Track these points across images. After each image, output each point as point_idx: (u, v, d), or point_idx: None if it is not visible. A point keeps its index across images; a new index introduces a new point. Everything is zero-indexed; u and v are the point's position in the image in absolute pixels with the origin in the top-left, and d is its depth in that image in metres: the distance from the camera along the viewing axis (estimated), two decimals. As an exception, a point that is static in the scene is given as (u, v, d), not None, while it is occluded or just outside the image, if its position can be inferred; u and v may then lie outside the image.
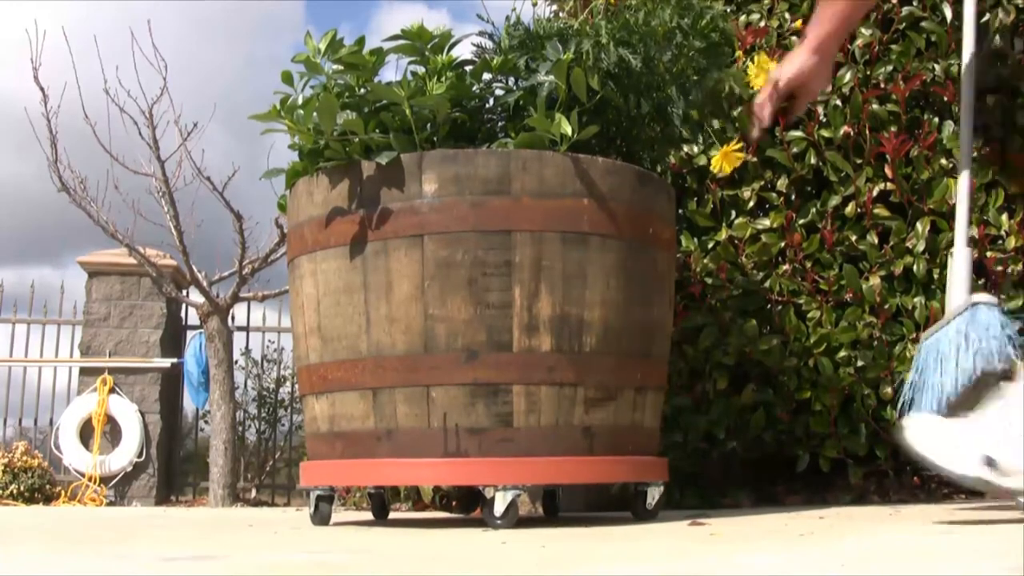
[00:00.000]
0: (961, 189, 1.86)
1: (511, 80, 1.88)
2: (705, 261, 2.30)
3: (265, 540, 1.53)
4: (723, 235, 2.30)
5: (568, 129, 1.72)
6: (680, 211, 2.40)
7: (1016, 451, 1.39)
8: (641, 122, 1.92)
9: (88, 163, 5.44)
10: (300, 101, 1.83)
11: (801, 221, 2.34)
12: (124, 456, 6.26)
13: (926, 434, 1.45)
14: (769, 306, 2.29)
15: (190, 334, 6.81)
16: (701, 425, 2.32)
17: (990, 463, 1.39)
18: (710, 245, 2.34)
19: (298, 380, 1.96)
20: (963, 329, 1.68)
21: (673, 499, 2.33)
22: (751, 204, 2.33)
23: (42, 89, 4.97)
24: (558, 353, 1.72)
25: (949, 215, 2.27)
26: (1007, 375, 1.62)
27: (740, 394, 2.31)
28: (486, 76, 1.88)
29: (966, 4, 1.94)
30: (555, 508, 2.24)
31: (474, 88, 1.85)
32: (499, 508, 1.66)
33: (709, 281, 2.29)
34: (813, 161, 2.34)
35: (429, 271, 1.72)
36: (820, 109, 2.37)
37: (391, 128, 1.78)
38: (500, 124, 1.88)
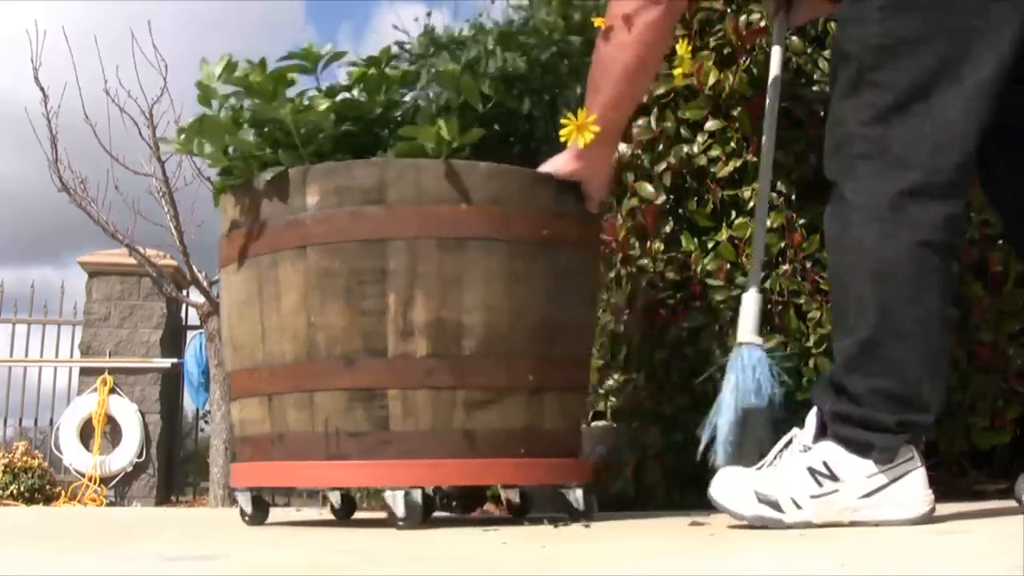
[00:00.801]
0: (758, 236, 1.93)
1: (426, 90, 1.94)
2: (705, 261, 2.30)
3: (265, 540, 1.53)
4: (723, 235, 2.30)
5: (448, 136, 1.76)
6: (680, 211, 2.40)
7: (785, 489, 1.49)
8: (539, 123, 1.95)
9: (88, 163, 5.44)
10: (187, 125, 1.93)
11: (802, 221, 2.34)
12: (124, 456, 6.26)
13: (722, 485, 1.55)
14: (769, 306, 2.28)
15: (190, 334, 6.81)
16: (701, 425, 2.32)
17: (766, 501, 1.49)
18: (710, 245, 2.34)
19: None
20: (729, 372, 1.81)
21: (673, 499, 2.33)
22: (752, 204, 2.33)
23: (42, 89, 4.97)
24: (435, 357, 1.75)
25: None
26: (771, 412, 1.76)
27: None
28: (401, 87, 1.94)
29: (774, 52, 1.98)
30: (430, 508, 2.26)
31: (367, 102, 1.92)
32: (399, 510, 1.70)
33: (709, 281, 2.29)
34: (814, 161, 2.34)
35: (312, 281, 1.77)
36: (821, 110, 2.37)
37: (282, 144, 1.86)
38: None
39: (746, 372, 1.76)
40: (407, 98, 1.93)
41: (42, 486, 5.84)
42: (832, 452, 1.49)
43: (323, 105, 1.84)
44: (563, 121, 1.79)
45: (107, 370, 6.53)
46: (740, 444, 1.74)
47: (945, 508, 1.80)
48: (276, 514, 2.90)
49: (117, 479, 6.26)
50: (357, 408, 1.74)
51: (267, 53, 1.97)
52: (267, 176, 1.81)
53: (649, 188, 2.37)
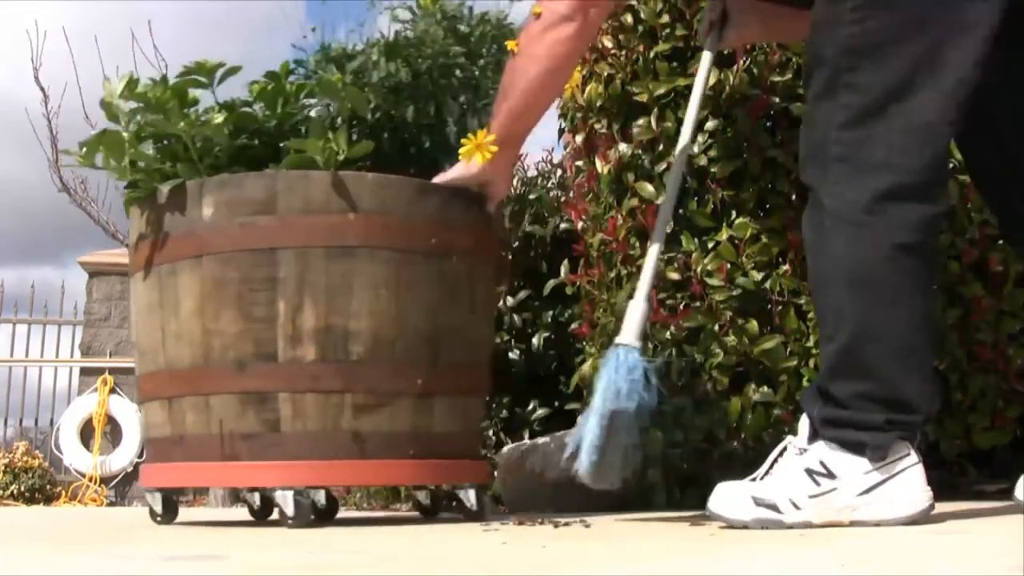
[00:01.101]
0: (650, 254, 1.90)
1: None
2: (705, 261, 2.30)
3: (266, 540, 1.53)
4: (723, 235, 2.30)
5: (337, 148, 1.83)
6: (680, 211, 2.40)
7: (783, 492, 1.49)
8: (431, 131, 2.02)
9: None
10: (89, 139, 1.98)
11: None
12: (124, 456, 6.26)
13: (719, 498, 1.54)
14: (770, 306, 2.28)
15: (190, 334, 6.81)
16: (702, 425, 2.32)
17: (765, 505, 1.49)
18: (710, 245, 2.34)
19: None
20: (601, 372, 1.77)
21: (673, 499, 2.33)
22: (752, 204, 2.33)
23: (42, 89, 4.99)
24: (323, 362, 1.82)
25: (949, 216, 2.27)
26: (638, 418, 1.72)
27: (741, 394, 2.31)
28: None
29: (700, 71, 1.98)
30: (333, 509, 2.30)
31: (262, 115, 1.99)
32: (288, 508, 1.76)
33: (709, 281, 2.29)
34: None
35: (207, 289, 1.85)
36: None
37: (180, 158, 1.94)
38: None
39: (619, 373, 1.72)
40: (312, 111, 2.01)
41: (42, 486, 5.85)
42: (828, 451, 1.49)
43: (218, 119, 1.92)
44: (463, 141, 1.86)
45: (107, 370, 6.53)
46: (603, 449, 1.70)
47: (945, 508, 1.80)
48: (275, 514, 2.90)
49: (117, 479, 6.27)
50: (249, 411, 1.82)
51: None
52: (166, 189, 1.89)
53: (649, 188, 2.37)
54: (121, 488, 6.26)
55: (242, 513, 2.92)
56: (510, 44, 1.85)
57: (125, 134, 1.93)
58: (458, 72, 1.99)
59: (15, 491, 5.68)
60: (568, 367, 2.88)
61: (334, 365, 1.82)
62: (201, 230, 1.86)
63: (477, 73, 2.01)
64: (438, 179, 1.96)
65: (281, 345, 1.81)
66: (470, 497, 1.97)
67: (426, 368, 1.90)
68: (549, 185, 3.29)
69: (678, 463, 2.32)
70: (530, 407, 3.00)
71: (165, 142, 1.96)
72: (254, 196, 1.84)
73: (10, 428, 7.08)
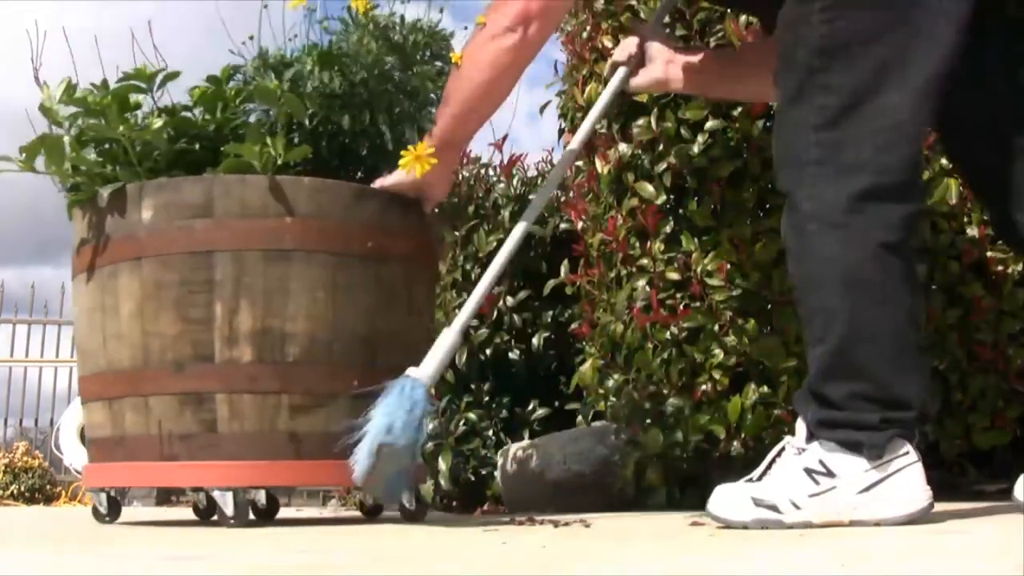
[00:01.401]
0: (481, 283, 1.89)
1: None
2: (705, 261, 2.30)
3: (265, 540, 1.53)
4: (724, 235, 2.30)
5: (274, 153, 1.86)
6: (680, 211, 2.40)
7: (783, 492, 1.48)
8: (367, 138, 2.05)
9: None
10: (29, 143, 1.98)
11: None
12: (124, 456, 6.26)
13: (719, 500, 1.54)
14: (770, 306, 2.28)
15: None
16: (701, 425, 2.32)
17: (765, 505, 1.48)
18: (710, 245, 2.34)
19: None
20: (385, 394, 1.72)
21: (673, 499, 2.33)
22: (752, 204, 2.33)
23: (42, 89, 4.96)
24: (260, 363, 1.85)
25: (949, 215, 2.27)
26: (402, 457, 1.68)
27: (740, 394, 2.31)
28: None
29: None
30: (274, 509, 2.34)
31: (201, 120, 2.01)
32: (228, 509, 1.79)
33: (709, 281, 2.29)
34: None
35: (146, 291, 1.88)
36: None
37: (120, 162, 1.95)
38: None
39: (398, 407, 1.69)
40: (251, 117, 2.02)
41: (42, 486, 5.84)
42: (827, 451, 1.50)
43: (157, 124, 1.94)
44: (403, 153, 1.88)
45: (107, 370, 6.54)
46: (373, 468, 1.68)
47: (945, 508, 1.80)
48: (280, 513, 2.90)
49: (117, 479, 6.26)
50: (187, 411, 1.84)
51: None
52: (106, 192, 1.91)
53: (649, 188, 2.37)
54: (121, 488, 6.26)
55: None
56: (454, 56, 1.88)
57: (67, 138, 1.96)
58: (392, 81, 2.02)
59: (15, 491, 5.67)
60: (568, 367, 2.88)
61: (271, 366, 1.85)
62: (140, 233, 1.89)
63: (413, 82, 2.04)
64: (377, 184, 1.98)
65: (218, 346, 1.84)
66: (408, 498, 2.00)
67: (363, 370, 1.92)
68: (549, 185, 3.28)
69: (678, 463, 2.32)
70: (530, 407, 3.01)
71: (106, 146, 1.99)
72: (192, 200, 1.87)
73: (10, 428, 7.09)
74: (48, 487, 5.90)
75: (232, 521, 1.78)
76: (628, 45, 2.01)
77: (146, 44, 2.06)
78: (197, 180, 1.90)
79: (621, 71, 1.99)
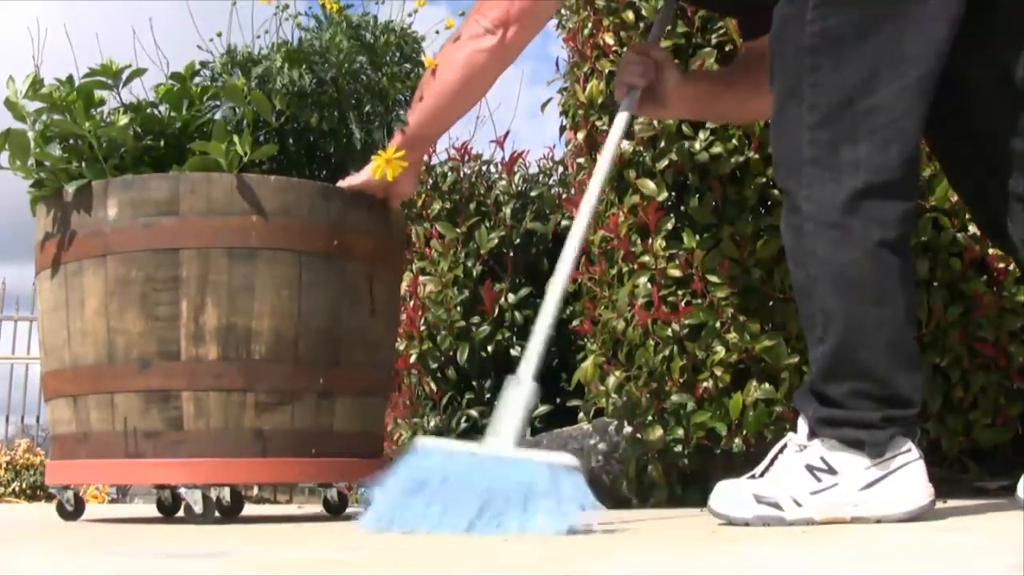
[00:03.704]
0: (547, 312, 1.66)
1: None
2: (707, 258, 2.30)
3: (270, 537, 1.53)
4: (725, 232, 2.30)
5: (240, 150, 1.86)
6: (681, 207, 2.40)
7: (784, 489, 1.49)
8: (335, 137, 2.05)
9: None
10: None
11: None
12: (126, 453, 6.27)
13: (720, 496, 1.53)
14: (771, 303, 2.28)
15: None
16: (703, 422, 2.32)
17: (766, 502, 1.48)
18: (712, 242, 2.34)
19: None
20: (547, 488, 1.40)
21: (675, 496, 2.33)
22: (753, 201, 2.33)
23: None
24: (225, 361, 1.86)
25: (951, 212, 2.27)
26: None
27: (742, 391, 2.31)
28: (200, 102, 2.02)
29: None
30: (239, 506, 2.29)
31: (167, 117, 2.00)
32: (197, 507, 1.82)
33: (710, 278, 2.29)
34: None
35: (111, 288, 1.88)
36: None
37: (86, 158, 1.95)
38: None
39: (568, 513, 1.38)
40: (217, 114, 2.02)
41: (44, 483, 5.85)
42: (828, 448, 1.50)
43: (123, 120, 1.94)
44: (373, 157, 1.90)
45: (109, 367, 6.54)
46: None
47: (946, 505, 1.80)
48: (279, 510, 2.91)
49: (119, 476, 6.26)
50: (153, 409, 1.85)
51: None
52: (71, 188, 1.90)
53: (651, 185, 2.37)
54: (122, 485, 6.26)
55: (245, 510, 2.92)
56: (428, 60, 1.90)
57: (31, 133, 1.96)
58: (363, 80, 2.03)
59: (16, 488, 5.68)
60: (569, 364, 2.88)
61: (236, 364, 1.86)
62: (106, 229, 1.89)
63: (383, 82, 2.05)
64: (344, 183, 2.00)
65: (183, 344, 1.85)
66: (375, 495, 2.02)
67: (327, 368, 1.95)
68: (550, 182, 3.29)
69: (679, 460, 2.32)
70: (531, 404, 3.00)
71: (71, 142, 1.99)
72: (158, 197, 1.87)
73: (11, 426, 7.09)
74: (50, 484, 5.90)
75: (199, 518, 1.80)
76: (637, 66, 1.93)
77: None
78: (163, 177, 1.90)
79: (633, 94, 1.91)
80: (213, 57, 2.08)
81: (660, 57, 1.96)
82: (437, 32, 2.22)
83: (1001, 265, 2.25)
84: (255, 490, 6.14)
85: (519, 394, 1.54)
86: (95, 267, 1.90)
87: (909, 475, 1.47)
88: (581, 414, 2.73)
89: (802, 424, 1.56)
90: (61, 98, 1.94)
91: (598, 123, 2.54)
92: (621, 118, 1.86)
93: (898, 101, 1.48)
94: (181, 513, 2.26)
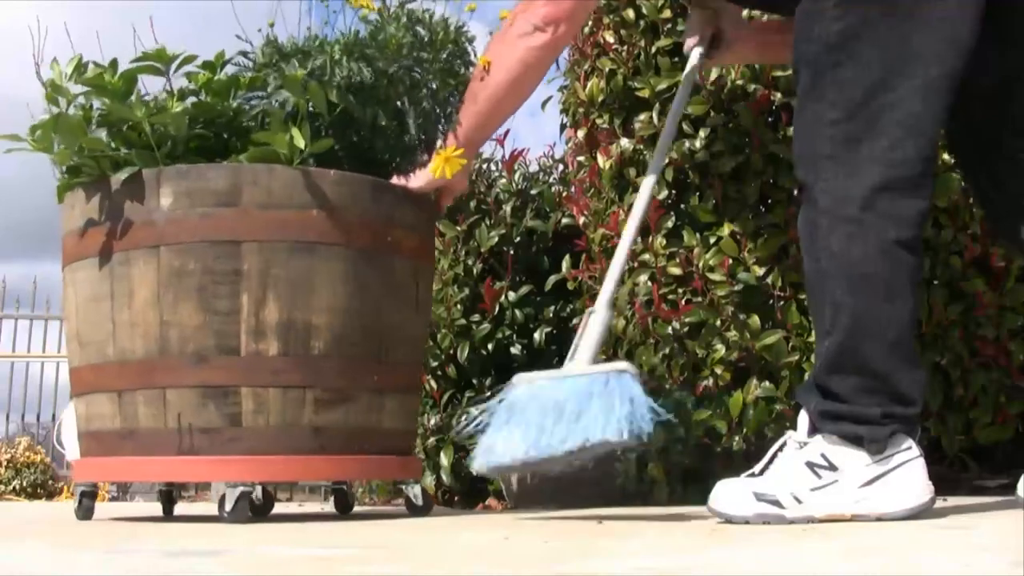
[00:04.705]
0: (620, 252, 1.90)
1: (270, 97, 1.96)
2: (707, 256, 2.30)
3: (270, 535, 1.53)
4: (725, 230, 2.30)
5: (301, 143, 1.83)
6: (682, 206, 2.40)
7: (784, 486, 1.48)
8: (384, 133, 2.02)
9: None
10: (42, 122, 1.92)
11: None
12: (126, 452, 6.27)
13: (720, 494, 1.54)
14: (771, 301, 2.28)
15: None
16: (703, 420, 2.33)
17: (766, 500, 1.48)
18: (712, 240, 2.34)
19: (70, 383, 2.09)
20: (602, 391, 1.66)
21: (675, 494, 2.33)
22: (753, 199, 2.33)
23: (44, 85, 4.96)
24: (285, 357, 1.83)
25: (951, 211, 2.27)
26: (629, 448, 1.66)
27: (742, 389, 2.31)
28: (243, 92, 1.96)
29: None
30: (346, 506, 2.32)
31: (222, 105, 1.95)
32: (228, 504, 1.76)
33: (711, 276, 2.29)
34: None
35: (165, 279, 1.83)
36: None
37: (136, 145, 1.89)
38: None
39: (636, 403, 1.62)
40: (253, 104, 1.97)
41: (44, 481, 5.85)
42: (828, 444, 1.50)
43: (177, 108, 1.88)
44: (437, 155, 1.91)
45: (109, 366, 6.54)
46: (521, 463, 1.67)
47: (947, 504, 1.80)
48: (280, 508, 2.90)
49: (119, 474, 6.27)
50: (209, 404, 1.81)
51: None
52: (122, 176, 1.84)
53: (651, 183, 2.37)
54: (123, 483, 6.26)
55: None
56: (481, 60, 1.90)
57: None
58: (418, 75, 2.01)
59: (17, 487, 5.68)
60: (570, 362, 2.88)
61: (295, 360, 1.83)
62: (159, 219, 1.84)
63: (435, 81, 2.03)
64: (404, 182, 1.99)
65: (244, 339, 1.81)
66: (416, 493, 2.03)
67: (379, 365, 1.94)
68: (551, 180, 3.29)
69: (679, 458, 2.32)
70: (532, 402, 3.00)
71: (116, 128, 1.92)
72: (216, 187, 1.83)
73: (12, 423, 7.10)
74: (50, 483, 5.90)
75: (228, 517, 1.76)
76: (698, 24, 2.00)
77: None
78: (222, 168, 1.85)
79: (697, 51, 2.00)
80: (253, 47, 2.02)
81: (717, 5, 1.99)
82: (490, 33, 2.21)
83: (1001, 264, 2.25)
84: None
85: (596, 319, 1.75)
86: (146, 258, 1.84)
87: (909, 473, 1.48)
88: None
89: (802, 422, 1.56)
90: (111, 82, 1.88)
91: (599, 121, 2.54)
92: (693, 65, 1.98)
93: (916, 98, 1.49)
94: (180, 513, 2.26)
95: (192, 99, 1.95)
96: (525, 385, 1.77)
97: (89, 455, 1.99)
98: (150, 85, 1.99)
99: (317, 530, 1.63)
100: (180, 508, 2.31)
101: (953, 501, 1.87)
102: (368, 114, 1.96)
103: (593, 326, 1.80)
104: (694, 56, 2.00)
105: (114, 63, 1.92)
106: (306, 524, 1.84)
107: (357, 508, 2.80)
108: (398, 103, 1.99)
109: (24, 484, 5.71)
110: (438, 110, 2.05)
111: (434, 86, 2.03)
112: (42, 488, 5.79)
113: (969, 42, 1.48)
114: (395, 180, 2.00)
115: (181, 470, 1.87)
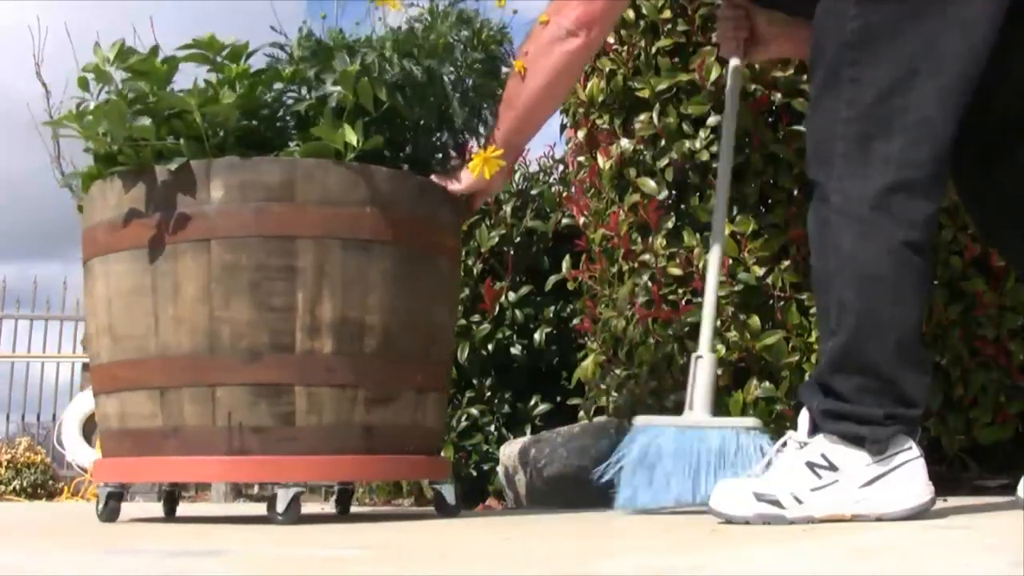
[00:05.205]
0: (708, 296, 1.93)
1: (304, 90, 1.92)
2: (707, 257, 2.30)
3: (270, 535, 1.53)
4: (726, 230, 2.30)
5: (353, 139, 1.79)
6: (682, 206, 2.40)
7: (784, 486, 1.49)
8: (428, 131, 2.01)
9: (91, 160, 5.43)
10: (92, 107, 1.87)
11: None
12: (127, 452, 6.27)
13: (720, 495, 1.54)
14: (771, 301, 2.28)
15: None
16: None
17: (767, 500, 1.49)
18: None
19: (92, 379, 2.00)
20: (735, 449, 1.78)
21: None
22: (754, 200, 2.33)
23: (44, 85, 4.96)
24: (338, 355, 1.79)
25: (951, 211, 2.27)
26: None
27: (743, 389, 2.31)
28: (279, 86, 1.92)
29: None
30: (345, 507, 2.30)
31: (265, 97, 1.90)
32: (281, 505, 1.73)
33: (711, 277, 2.29)
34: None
35: (215, 274, 1.77)
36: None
37: (183, 135, 1.83)
38: (293, 133, 1.93)
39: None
40: (293, 98, 1.94)
41: (44, 482, 5.85)
42: (829, 444, 1.50)
43: (229, 98, 1.82)
44: (476, 156, 1.90)
45: (109, 366, 6.54)
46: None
47: (947, 504, 1.80)
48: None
49: (119, 474, 6.27)
50: (262, 403, 1.76)
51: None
52: (172, 166, 1.78)
53: (651, 184, 2.37)
54: (126, 484, 6.27)
55: (243, 509, 2.93)
56: (517, 64, 1.89)
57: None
58: (464, 76, 1.98)
59: (17, 487, 5.68)
60: (570, 362, 2.88)
61: (348, 358, 1.80)
62: (209, 212, 1.78)
63: (480, 79, 2.01)
64: (446, 183, 1.98)
65: (298, 336, 1.77)
66: (451, 492, 2.02)
67: (424, 365, 1.92)
68: (551, 181, 3.29)
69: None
70: (532, 402, 3.01)
71: (159, 116, 1.84)
72: (270, 181, 1.78)
73: (12, 424, 7.10)
74: (50, 483, 5.90)
75: (281, 518, 1.72)
76: (731, 28, 2.00)
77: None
78: (276, 161, 1.81)
79: (734, 61, 2.01)
80: (288, 39, 1.97)
81: (747, 3, 2.00)
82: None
83: (1002, 263, 2.25)
84: (255, 488, 6.15)
85: (703, 364, 1.82)
86: (195, 251, 1.78)
87: (910, 473, 1.48)
88: (581, 412, 2.73)
89: (803, 421, 1.56)
90: (158, 68, 1.81)
91: (598, 121, 2.54)
92: (734, 70, 2.00)
93: (933, 100, 1.49)
94: (180, 513, 2.25)
95: (234, 90, 1.88)
96: (654, 431, 1.85)
97: (120, 455, 1.90)
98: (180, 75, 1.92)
99: (318, 530, 1.63)
100: (180, 508, 2.30)
101: (953, 501, 1.87)
102: (415, 113, 1.93)
103: (702, 374, 1.86)
104: (733, 64, 2.00)
105: (155, 49, 1.85)
106: (307, 524, 1.84)
107: (357, 508, 2.80)
108: (442, 105, 1.96)
109: (24, 484, 5.71)
110: (483, 107, 2.03)
111: (478, 83, 1.99)
112: (42, 488, 5.79)
113: (988, 46, 1.48)
114: (435, 178, 1.98)
115: (230, 470, 1.83)
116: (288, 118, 1.93)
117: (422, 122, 1.97)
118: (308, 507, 3.31)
